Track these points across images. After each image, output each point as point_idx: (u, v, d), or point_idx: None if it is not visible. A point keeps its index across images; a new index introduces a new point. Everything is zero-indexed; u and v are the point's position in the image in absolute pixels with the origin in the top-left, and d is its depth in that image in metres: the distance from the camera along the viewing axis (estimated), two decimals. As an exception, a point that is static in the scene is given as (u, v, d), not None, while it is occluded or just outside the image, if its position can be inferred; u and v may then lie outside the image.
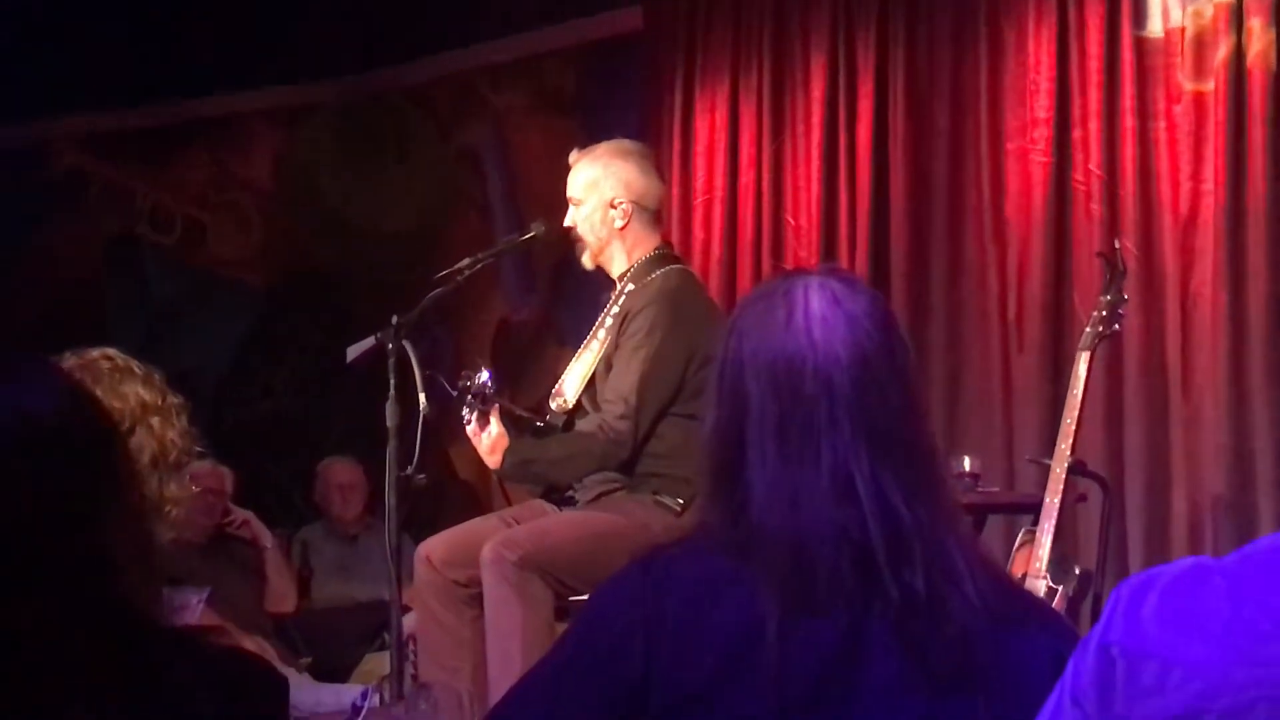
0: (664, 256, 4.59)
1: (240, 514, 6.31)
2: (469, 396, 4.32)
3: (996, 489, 5.54)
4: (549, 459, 4.47)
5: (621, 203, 4.51)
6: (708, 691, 1.83)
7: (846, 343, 1.91)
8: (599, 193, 4.52)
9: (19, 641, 1.51)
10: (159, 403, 2.91)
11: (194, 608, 2.87)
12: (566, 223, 4.58)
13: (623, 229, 4.53)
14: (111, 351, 2.95)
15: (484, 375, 4.34)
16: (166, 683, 1.57)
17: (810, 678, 1.83)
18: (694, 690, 1.83)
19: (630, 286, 4.51)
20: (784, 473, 1.89)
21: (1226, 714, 1.33)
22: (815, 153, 6.49)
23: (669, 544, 1.96)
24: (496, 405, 4.36)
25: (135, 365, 2.94)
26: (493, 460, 4.39)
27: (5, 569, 1.53)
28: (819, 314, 1.92)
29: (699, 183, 6.76)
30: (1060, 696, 1.45)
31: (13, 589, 1.52)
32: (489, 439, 4.36)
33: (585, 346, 4.59)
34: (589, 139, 4.74)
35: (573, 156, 4.62)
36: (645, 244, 4.56)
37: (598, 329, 4.57)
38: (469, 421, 4.36)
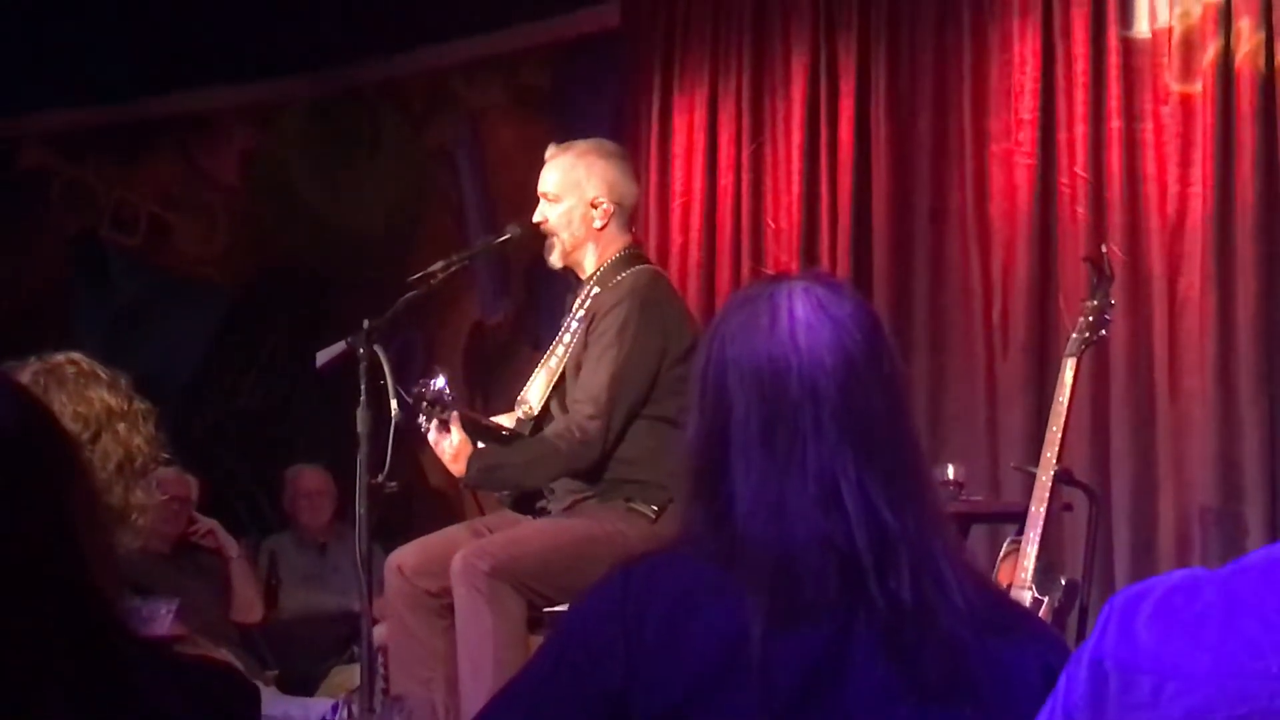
0: (632, 257, 4.54)
1: (205, 523, 6.24)
2: (424, 404, 4.22)
3: (981, 497, 5.50)
4: (516, 463, 4.41)
5: (603, 203, 4.46)
6: (690, 702, 1.80)
7: (832, 348, 1.90)
8: (580, 191, 4.47)
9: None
10: (125, 408, 2.89)
11: (163, 619, 2.81)
12: (536, 218, 4.51)
13: (600, 229, 4.47)
14: (77, 356, 2.94)
15: (439, 381, 4.24)
16: (140, 692, 1.56)
17: (796, 687, 1.81)
18: (676, 701, 1.81)
19: (596, 289, 4.45)
20: (768, 479, 1.87)
21: None
22: (796, 154, 6.44)
23: (651, 552, 1.94)
24: (456, 413, 4.25)
25: (101, 370, 2.92)
26: (457, 468, 4.31)
27: None
28: (804, 319, 1.91)
29: (677, 184, 6.70)
30: (1053, 711, 1.45)
31: None
32: (451, 447, 4.28)
33: (550, 351, 4.55)
34: (565, 138, 4.68)
35: (550, 151, 4.57)
36: (615, 245, 4.52)
37: (563, 333, 4.53)
38: (427, 430, 4.26)
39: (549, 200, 4.50)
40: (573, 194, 4.47)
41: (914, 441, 1.96)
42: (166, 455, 2.94)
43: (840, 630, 1.82)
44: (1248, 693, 1.32)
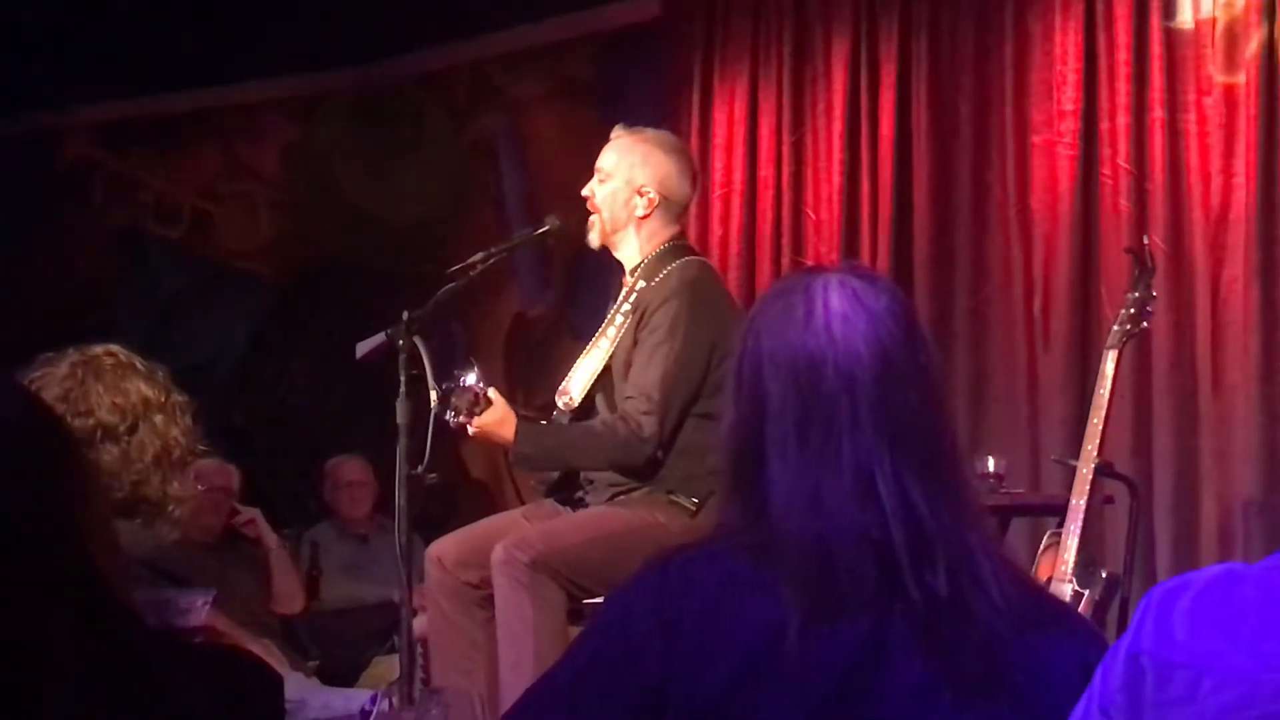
0: (679, 248, 4.50)
1: (247, 512, 6.25)
2: (452, 399, 4.17)
3: (1021, 490, 5.46)
4: (569, 439, 4.37)
5: (649, 192, 4.43)
6: (728, 696, 1.79)
7: (868, 340, 1.88)
8: (630, 176, 4.44)
9: (6, 645, 1.50)
10: (162, 400, 2.89)
11: (199, 609, 2.81)
12: (585, 191, 4.48)
13: (642, 218, 4.45)
14: (115, 348, 2.94)
15: (470, 377, 4.19)
16: (154, 682, 1.56)
17: (832, 682, 1.79)
18: (713, 695, 1.80)
19: (642, 283, 4.41)
20: (805, 473, 1.86)
21: None
22: (836, 145, 6.42)
23: (687, 545, 1.92)
24: (487, 388, 4.20)
25: (138, 362, 2.93)
26: (506, 432, 4.23)
27: None
28: (840, 311, 1.90)
29: (717, 175, 6.69)
30: (1089, 705, 1.47)
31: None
32: (495, 415, 4.21)
33: (594, 343, 4.51)
34: (606, 130, 4.66)
35: (616, 131, 4.55)
36: (660, 236, 4.48)
37: (607, 325, 4.49)
38: (456, 424, 4.21)
39: (600, 177, 4.49)
40: (622, 177, 4.44)
41: (951, 435, 1.95)
42: (204, 447, 2.95)
43: (877, 625, 1.80)
44: None
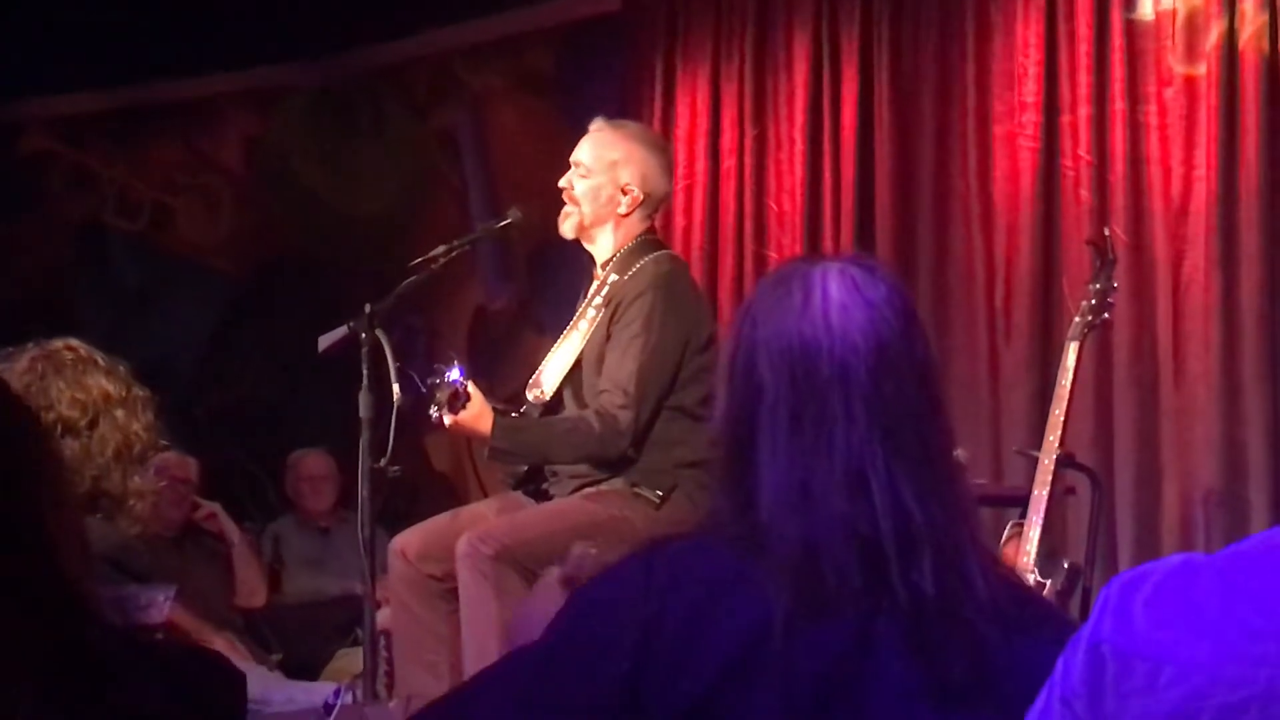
0: (650, 243, 4.50)
1: (207, 507, 6.23)
2: (437, 393, 4.17)
3: (984, 481, 5.48)
4: (544, 433, 4.36)
5: (633, 190, 4.42)
6: (712, 695, 1.76)
7: (865, 330, 1.85)
8: (614, 173, 4.42)
9: None
10: (123, 395, 2.89)
11: (161, 605, 2.80)
12: (562, 183, 4.46)
13: (623, 215, 4.43)
14: (75, 343, 2.93)
15: (455, 372, 4.18)
16: (115, 680, 1.55)
17: (819, 681, 1.77)
18: (698, 693, 1.77)
19: (615, 276, 4.40)
20: (795, 465, 1.83)
21: (1219, 713, 1.33)
22: (799, 137, 6.42)
23: (675, 536, 1.89)
24: (467, 383, 4.20)
25: (99, 357, 2.92)
26: (484, 425, 4.22)
27: None
28: (837, 300, 1.86)
29: (680, 168, 6.67)
30: (1050, 696, 1.45)
31: None
32: (472, 410, 4.21)
33: (565, 337, 4.49)
34: (567, 122, 4.68)
35: (595, 124, 4.52)
36: (634, 231, 4.47)
37: (578, 319, 4.47)
38: (439, 419, 4.20)
39: (580, 171, 4.47)
40: (605, 173, 4.42)
41: (945, 430, 1.91)
42: (165, 442, 2.94)
43: (864, 623, 1.78)
44: (1244, 678, 1.33)
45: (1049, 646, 1.78)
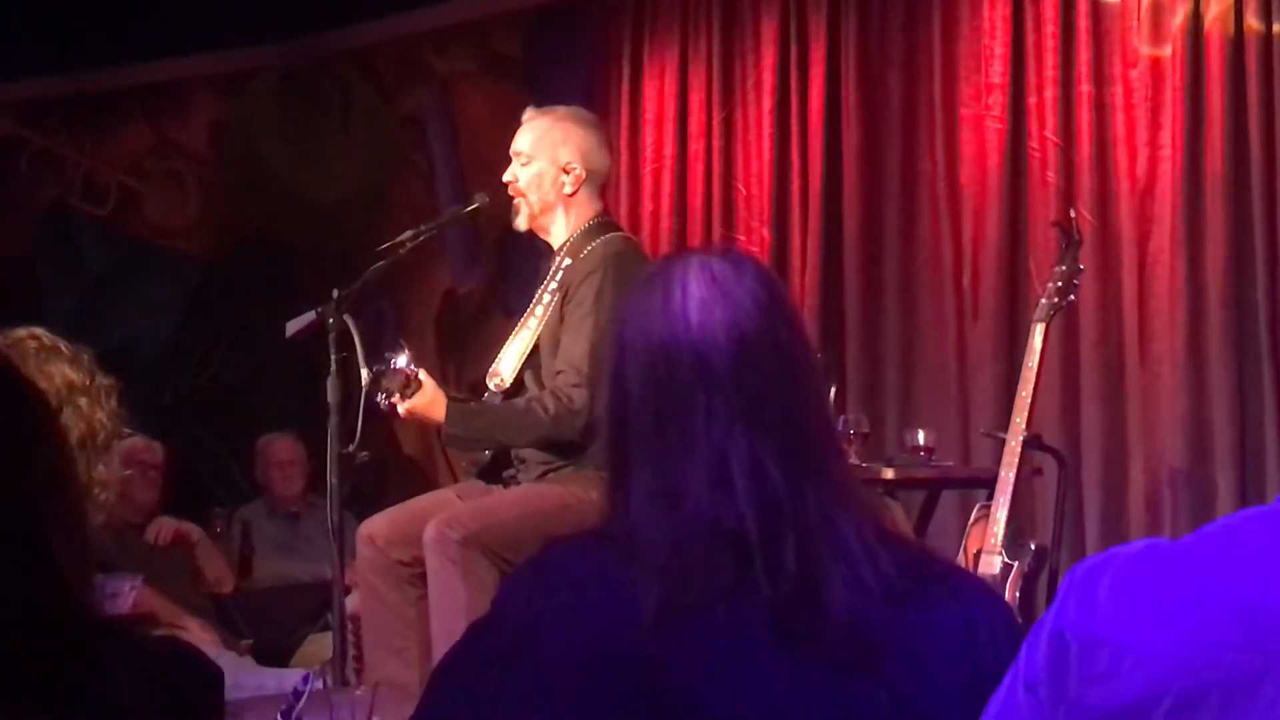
0: (603, 225, 4.51)
1: (157, 526, 6.16)
2: (382, 380, 4.16)
3: (951, 463, 5.48)
4: (497, 416, 4.36)
5: (575, 168, 4.43)
6: (586, 696, 1.76)
7: (725, 324, 1.84)
8: (553, 154, 4.43)
9: None
10: (87, 383, 2.86)
11: (126, 594, 2.80)
12: (507, 177, 4.47)
13: (570, 195, 4.44)
14: (39, 331, 2.91)
15: (401, 359, 4.18)
16: (98, 672, 1.54)
17: (693, 677, 1.76)
18: (567, 689, 1.76)
19: (568, 260, 4.41)
20: (662, 464, 1.83)
21: (1180, 699, 1.33)
22: (766, 120, 6.43)
23: (564, 538, 1.89)
24: (418, 370, 4.20)
25: (63, 345, 2.90)
26: (438, 412, 4.23)
27: None
28: (697, 296, 1.85)
29: (648, 150, 6.69)
30: (1014, 682, 1.46)
31: None
32: (425, 397, 4.22)
33: (522, 323, 4.50)
34: (535, 105, 4.65)
35: (527, 113, 4.54)
36: (586, 213, 4.48)
37: (535, 305, 4.48)
38: (386, 406, 4.20)
39: (521, 160, 4.48)
40: (545, 156, 4.43)
41: (817, 416, 1.91)
42: (128, 430, 2.92)
43: (733, 614, 1.77)
44: (1206, 663, 1.33)
45: (944, 604, 1.81)
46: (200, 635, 5.54)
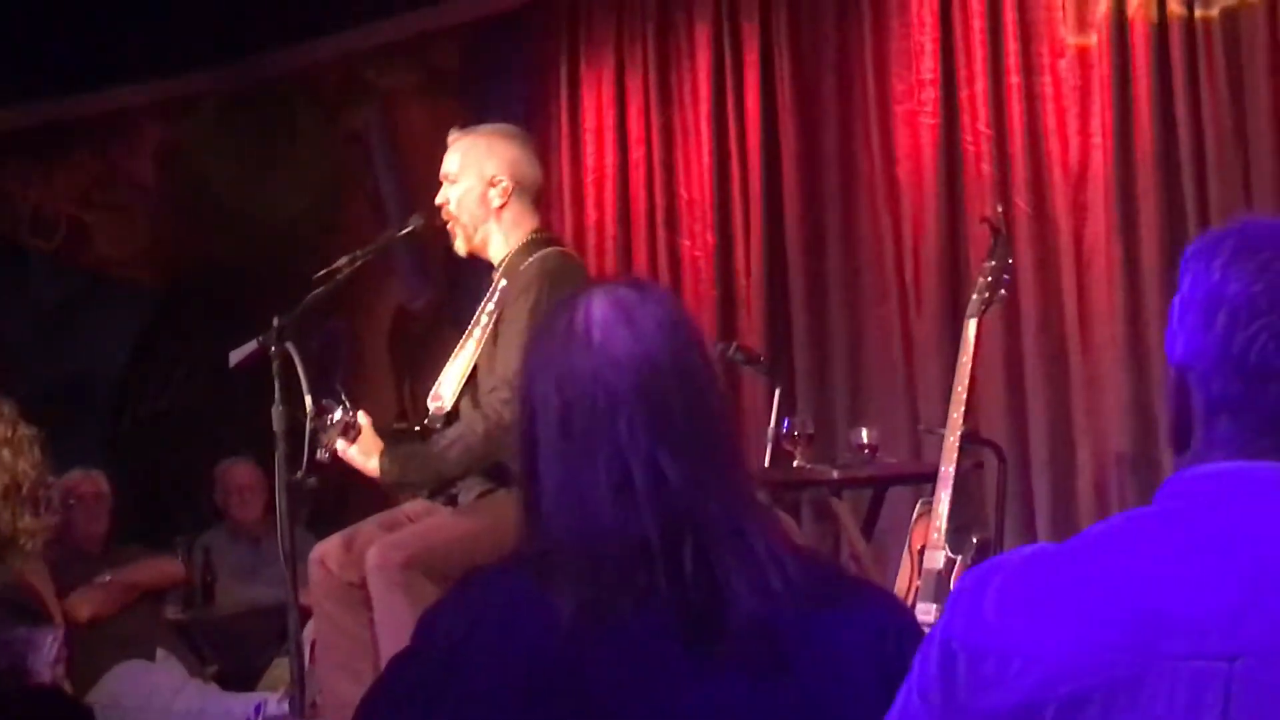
0: (540, 240, 4.45)
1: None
2: (320, 438, 4.18)
3: (896, 460, 5.50)
4: (433, 451, 4.35)
5: (502, 181, 4.38)
6: (516, 715, 1.80)
7: (628, 347, 1.90)
8: (479, 170, 4.39)
9: None
10: (10, 434, 2.89)
11: (49, 646, 2.81)
12: (439, 199, 4.44)
13: (500, 209, 4.40)
14: (-40, 386, 2.89)
15: (339, 412, 4.20)
16: None
17: (609, 689, 1.80)
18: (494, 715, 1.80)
19: (504, 281, 4.39)
20: (568, 482, 1.87)
21: (1066, 701, 1.36)
22: (704, 124, 6.45)
23: (485, 566, 1.94)
24: (361, 412, 4.22)
25: None
26: (372, 466, 4.27)
27: None
28: (601, 321, 1.91)
29: (589, 160, 6.71)
30: (909, 692, 1.49)
31: None
32: (360, 447, 4.24)
33: (461, 345, 4.47)
34: (476, 119, 4.65)
35: (452, 135, 4.50)
36: (521, 229, 4.43)
37: (473, 326, 4.44)
38: (324, 457, 4.22)
39: (450, 182, 4.45)
40: (471, 173, 4.38)
41: (721, 429, 1.95)
42: (52, 478, 2.94)
43: (647, 624, 1.81)
44: (1091, 664, 1.36)
45: (855, 612, 1.85)
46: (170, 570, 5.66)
